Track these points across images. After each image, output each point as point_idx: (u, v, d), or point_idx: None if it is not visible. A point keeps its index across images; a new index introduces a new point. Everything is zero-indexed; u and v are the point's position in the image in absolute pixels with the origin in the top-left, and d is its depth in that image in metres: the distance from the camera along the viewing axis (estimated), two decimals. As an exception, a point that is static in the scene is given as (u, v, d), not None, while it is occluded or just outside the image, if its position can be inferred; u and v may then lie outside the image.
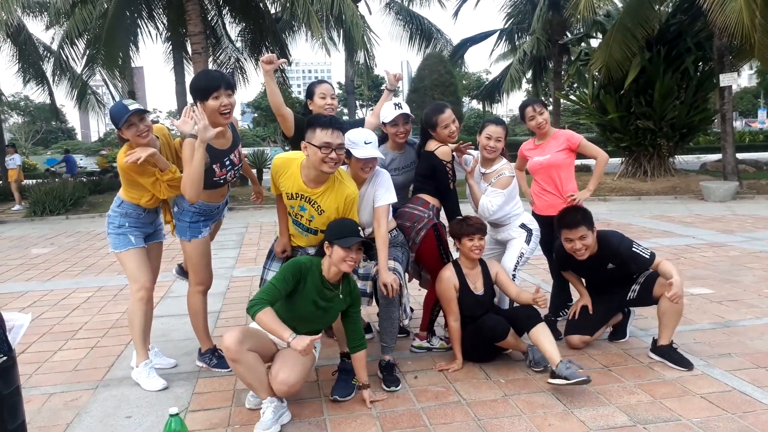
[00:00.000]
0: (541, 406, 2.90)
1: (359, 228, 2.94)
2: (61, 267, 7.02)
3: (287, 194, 3.13)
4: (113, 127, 3.26)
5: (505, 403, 2.96)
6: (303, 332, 2.88)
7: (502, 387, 3.16)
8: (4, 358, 1.73)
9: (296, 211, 3.16)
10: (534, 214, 3.95)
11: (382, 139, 3.73)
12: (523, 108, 3.98)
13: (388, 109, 3.57)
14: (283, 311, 2.82)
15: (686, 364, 3.29)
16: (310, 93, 3.77)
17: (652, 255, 3.42)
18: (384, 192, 3.25)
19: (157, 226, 3.54)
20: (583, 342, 3.64)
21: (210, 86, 2.99)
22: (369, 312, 4.14)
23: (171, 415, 2.30)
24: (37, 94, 15.60)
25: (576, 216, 3.45)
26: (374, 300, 3.44)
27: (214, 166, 3.16)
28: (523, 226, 3.74)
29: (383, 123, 3.62)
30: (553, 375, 3.03)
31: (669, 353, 3.37)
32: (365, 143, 3.13)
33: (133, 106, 3.05)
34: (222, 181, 3.28)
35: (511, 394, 3.06)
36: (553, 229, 3.66)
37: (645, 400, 2.94)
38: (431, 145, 3.57)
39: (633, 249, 3.44)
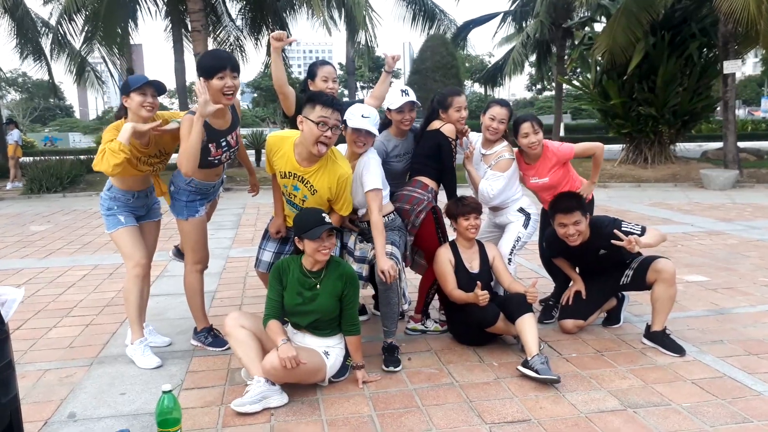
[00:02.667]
0: (533, 389, 2.92)
1: (324, 215, 2.89)
2: (57, 245, 7.02)
3: (281, 173, 3.12)
4: (111, 105, 3.27)
5: (498, 386, 2.98)
6: (305, 325, 2.96)
7: (494, 370, 3.18)
8: (-3, 332, 1.72)
9: (289, 190, 3.14)
10: (543, 210, 3.95)
11: (385, 124, 3.69)
12: (518, 123, 3.68)
13: (394, 95, 3.52)
14: (287, 311, 2.98)
15: (678, 350, 3.31)
16: (311, 73, 3.73)
17: (643, 229, 3.43)
18: (368, 176, 3.17)
19: (151, 207, 3.52)
20: (577, 327, 3.65)
21: (216, 66, 3.00)
22: (364, 294, 4.14)
23: (164, 392, 2.31)
24: (35, 71, 15.38)
25: (571, 201, 3.43)
26: (370, 283, 3.44)
27: (210, 145, 3.15)
28: (521, 210, 3.73)
29: (388, 109, 3.57)
30: (525, 365, 3.03)
31: (662, 339, 3.39)
32: (362, 117, 3.11)
33: (154, 81, 3.10)
34: (217, 161, 3.26)
35: (503, 377, 3.08)
36: None
37: (636, 384, 2.96)
38: (435, 124, 3.56)
39: (623, 228, 3.43)
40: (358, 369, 3.03)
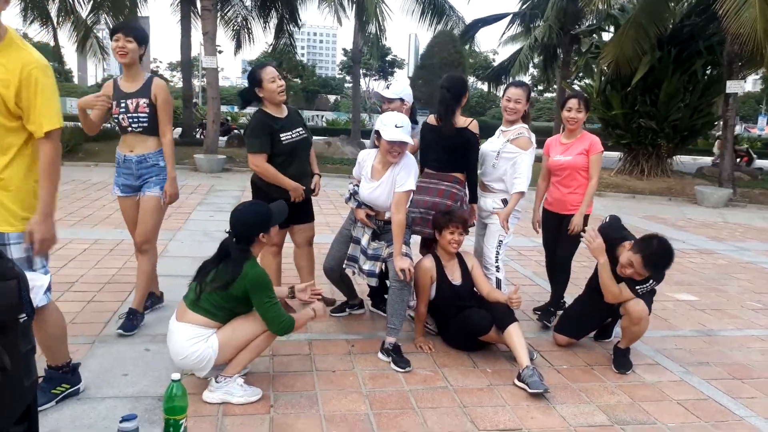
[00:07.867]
0: (525, 399, 3.01)
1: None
2: (56, 215, 6.95)
3: None
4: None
5: (491, 393, 3.07)
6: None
7: (488, 376, 3.27)
8: (26, 317, 1.77)
9: None
10: (544, 210, 4.07)
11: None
12: (568, 98, 4.01)
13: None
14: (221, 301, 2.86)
15: (622, 367, 3.40)
16: (258, 80, 3.55)
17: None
18: (406, 177, 3.27)
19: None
20: (569, 343, 3.75)
21: (115, 29, 3.49)
22: (364, 290, 4.22)
23: (173, 381, 2.37)
24: (40, 35, 15.15)
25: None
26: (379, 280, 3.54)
27: (113, 102, 3.48)
28: (505, 201, 3.79)
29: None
30: (519, 378, 3.12)
31: (619, 354, 3.48)
32: (396, 127, 3.16)
33: None
34: (116, 120, 3.50)
35: (496, 384, 3.17)
36: (560, 227, 3.82)
37: (624, 401, 3.06)
38: (460, 121, 3.62)
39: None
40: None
